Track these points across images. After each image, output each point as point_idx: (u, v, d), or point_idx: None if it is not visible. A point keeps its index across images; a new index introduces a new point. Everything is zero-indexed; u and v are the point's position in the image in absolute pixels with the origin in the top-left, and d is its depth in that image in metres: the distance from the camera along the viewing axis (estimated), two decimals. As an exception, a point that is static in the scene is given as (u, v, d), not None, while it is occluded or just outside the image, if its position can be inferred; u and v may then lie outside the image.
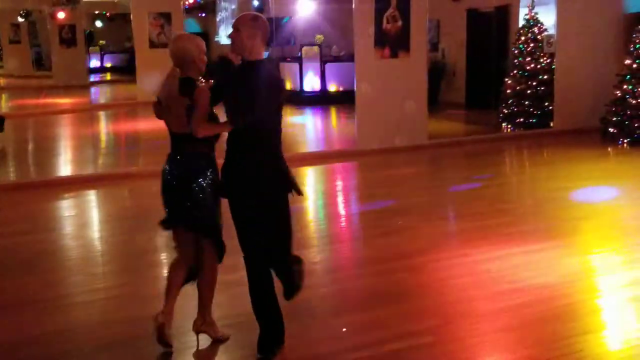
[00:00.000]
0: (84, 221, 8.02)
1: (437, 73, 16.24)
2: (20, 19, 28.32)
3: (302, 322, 4.82)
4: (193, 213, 4.21)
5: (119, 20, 25.12)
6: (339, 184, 9.86)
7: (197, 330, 4.52)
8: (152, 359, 4.33)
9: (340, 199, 8.76)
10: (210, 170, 4.23)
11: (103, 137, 15.33)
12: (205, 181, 4.18)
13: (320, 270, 6.04)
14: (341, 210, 8.18)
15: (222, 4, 25.11)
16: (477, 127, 13.80)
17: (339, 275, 5.79)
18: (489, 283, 5.44)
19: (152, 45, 18.59)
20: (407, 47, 11.12)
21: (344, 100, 15.84)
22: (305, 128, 15.68)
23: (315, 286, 5.60)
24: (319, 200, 9.03)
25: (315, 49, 18.06)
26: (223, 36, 25.67)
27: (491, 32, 16.00)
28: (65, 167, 11.41)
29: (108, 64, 29.91)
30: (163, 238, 7.07)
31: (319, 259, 6.34)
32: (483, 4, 16.13)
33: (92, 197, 9.23)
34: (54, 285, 5.79)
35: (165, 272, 4.94)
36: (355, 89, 11.28)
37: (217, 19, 26.07)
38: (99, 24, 24.10)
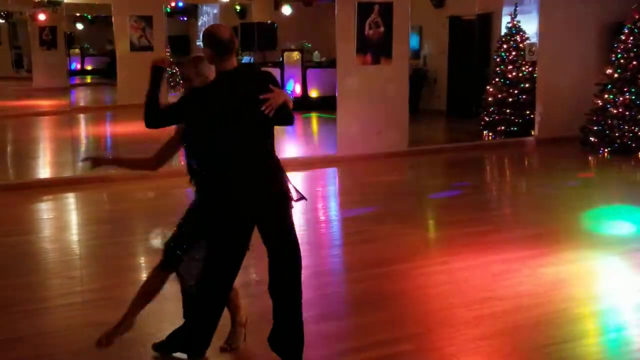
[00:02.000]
0: (62, 224, 7.94)
1: (418, 80, 16.28)
2: (0, 20, 28.10)
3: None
4: None
5: (100, 23, 24.95)
6: (319, 190, 9.84)
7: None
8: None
9: (320, 205, 8.74)
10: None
11: (83, 139, 15.21)
12: None
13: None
14: (321, 216, 8.16)
15: (204, 8, 25.05)
16: (458, 134, 13.85)
17: (319, 282, 5.76)
18: (468, 291, 5.43)
19: (133, 48, 18.49)
20: (389, 54, 11.14)
21: (325, 106, 15.84)
22: (285, 133, 15.66)
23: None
24: (298, 206, 8.99)
25: (297, 54, 18.05)
26: (205, 40, 25.63)
27: (473, 40, 16.06)
28: (44, 170, 11.29)
29: (89, 67, 29.72)
30: (142, 242, 7.05)
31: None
32: (465, 12, 16.19)
33: (71, 199, 9.14)
34: (31, 288, 5.72)
35: (144, 276, 4.90)
36: (336, 95, 11.27)
37: (199, 23, 26.00)
38: (80, 26, 23.90)
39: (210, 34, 3.89)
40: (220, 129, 3.87)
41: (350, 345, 4.51)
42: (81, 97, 21.04)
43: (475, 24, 16.04)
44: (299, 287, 4.13)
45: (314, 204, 8.87)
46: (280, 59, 18.44)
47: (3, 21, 28.09)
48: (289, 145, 13.86)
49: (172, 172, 6.82)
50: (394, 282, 5.69)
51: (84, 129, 17.11)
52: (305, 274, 6.07)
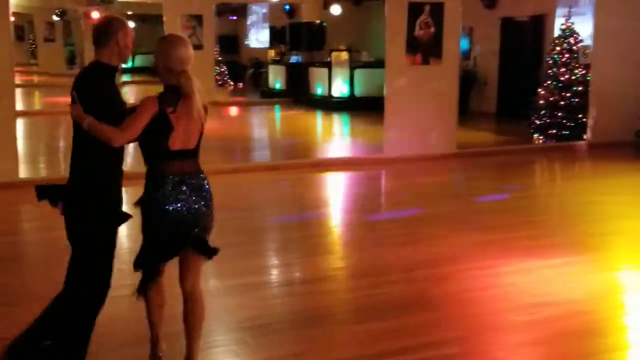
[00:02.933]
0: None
1: (468, 81, 16.11)
2: (55, 18, 28.69)
3: (324, 327, 4.77)
4: None
5: (152, 21, 25.30)
6: (365, 190, 9.77)
7: None
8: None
9: (365, 205, 8.67)
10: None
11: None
12: None
13: (343, 277, 5.98)
14: (366, 217, 8.09)
15: (253, 7, 25.21)
16: (508, 137, 13.64)
17: (363, 282, 5.70)
18: (514, 296, 5.32)
19: (184, 46, 18.66)
20: (439, 54, 11.02)
21: (372, 106, 15.77)
22: (332, 134, 15.65)
23: (338, 292, 5.56)
24: (343, 206, 8.97)
25: (345, 54, 18.01)
26: (253, 40, 25.77)
27: (525, 42, 15.84)
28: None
29: (139, 64, 30.18)
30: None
31: (342, 265, 6.28)
32: (518, 13, 15.98)
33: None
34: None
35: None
36: (384, 95, 11.20)
37: (248, 23, 26.16)
38: (131, 24, 24.30)
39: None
40: None
41: (395, 345, 4.43)
42: (131, 94, 21.31)
43: (528, 26, 15.81)
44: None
45: (359, 205, 8.82)
46: (328, 59, 18.42)
47: (58, 19, 28.73)
48: (335, 145, 13.85)
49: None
50: (439, 284, 5.59)
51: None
52: (349, 273, 6.08)
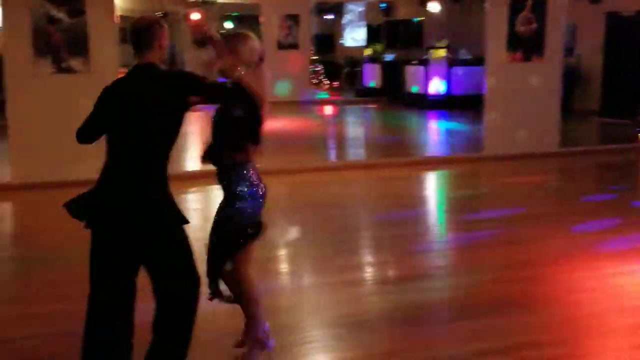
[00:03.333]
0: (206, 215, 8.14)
1: (571, 78, 15.59)
2: (158, 18, 29.60)
3: (421, 325, 4.72)
4: None
5: (249, 22, 25.72)
6: (463, 189, 9.61)
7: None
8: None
9: (463, 204, 8.53)
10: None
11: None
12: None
13: (441, 275, 5.89)
14: (465, 216, 7.95)
15: (349, 6, 25.24)
16: (613, 136, 13.13)
17: (461, 281, 5.61)
18: (622, 298, 5.11)
19: (280, 46, 18.92)
20: (541, 51, 10.73)
21: (470, 105, 15.52)
22: (429, 131, 15.49)
23: (435, 290, 5.48)
24: (441, 205, 8.85)
25: (442, 52, 17.78)
26: (348, 39, 25.82)
27: (632, 38, 15.21)
28: (192, 163, 11.66)
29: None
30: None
31: (440, 264, 6.19)
32: (625, 7, 15.36)
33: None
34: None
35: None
36: (483, 93, 11.00)
37: (343, 22, 26.22)
38: (228, 24, 24.75)
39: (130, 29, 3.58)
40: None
41: (497, 344, 4.33)
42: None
43: (635, 21, 15.18)
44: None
45: (457, 204, 8.68)
46: (425, 57, 18.23)
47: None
48: (433, 144, 13.71)
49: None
50: (540, 284, 5.43)
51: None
52: (447, 272, 5.98)
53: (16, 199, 8.58)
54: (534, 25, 10.69)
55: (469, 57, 17.77)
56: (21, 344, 4.46)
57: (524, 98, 10.77)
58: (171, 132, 3.49)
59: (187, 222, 3.51)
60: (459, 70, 17.58)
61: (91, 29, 8.78)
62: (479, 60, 14.56)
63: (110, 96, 3.47)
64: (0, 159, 9.73)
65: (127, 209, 3.38)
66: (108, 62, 9.08)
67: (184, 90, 3.51)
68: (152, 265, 3.49)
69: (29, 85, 8.77)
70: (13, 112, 8.95)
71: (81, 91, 6.75)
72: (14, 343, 4.47)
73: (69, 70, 8.87)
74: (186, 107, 3.53)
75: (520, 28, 10.68)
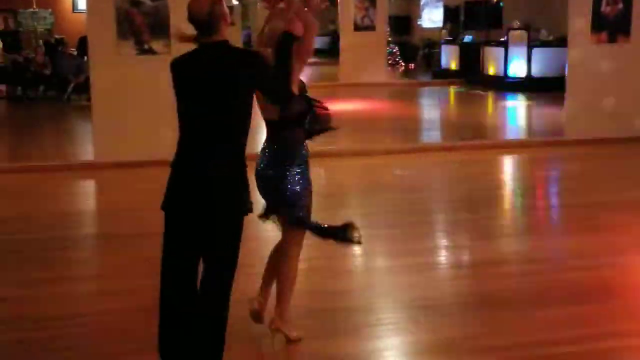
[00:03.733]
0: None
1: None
2: (234, 2, 29.89)
3: (499, 311, 4.65)
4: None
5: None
6: (543, 174, 9.38)
7: (274, 328, 4.08)
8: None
9: (543, 189, 8.33)
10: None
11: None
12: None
13: (519, 261, 5.79)
14: (543, 201, 7.78)
15: (428, -14, 24.90)
16: None
17: (540, 267, 5.48)
18: None
19: (357, 28, 18.81)
20: (628, 32, 10.35)
21: (551, 87, 15.11)
22: (508, 114, 15.19)
23: (513, 276, 5.39)
24: (519, 189, 8.66)
25: (523, 33, 17.36)
26: (426, 20, 25.49)
27: None
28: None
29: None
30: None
31: (518, 249, 6.07)
32: None
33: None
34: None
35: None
36: (565, 75, 10.69)
37: (421, 2, 25.89)
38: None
39: (187, 10, 3.68)
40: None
41: (577, 333, 4.24)
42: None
43: None
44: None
45: (536, 189, 8.49)
46: (505, 38, 17.84)
47: (237, 3, 29.88)
48: (511, 127, 13.45)
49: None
50: (623, 273, 5.29)
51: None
52: (524, 258, 5.85)
53: (99, 177, 8.83)
54: (620, 5, 10.33)
55: (550, 38, 17.30)
56: (95, 319, 4.58)
57: (608, 80, 10.41)
58: (241, 109, 3.41)
59: (247, 212, 3.43)
60: (539, 52, 17.14)
61: (172, 11, 8.91)
62: (561, 41, 14.16)
63: (179, 70, 3.64)
64: (85, 138, 10.03)
65: (189, 191, 3.33)
66: (188, 44, 9.16)
67: (250, 81, 3.46)
68: (204, 250, 3.41)
69: (112, 67, 8.97)
70: (96, 93, 9.20)
71: (162, 73, 6.85)
72: (88, 317, 4.60)
73: (151, 52, 9.04)
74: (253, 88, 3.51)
75: (606, 8, 10.33)
